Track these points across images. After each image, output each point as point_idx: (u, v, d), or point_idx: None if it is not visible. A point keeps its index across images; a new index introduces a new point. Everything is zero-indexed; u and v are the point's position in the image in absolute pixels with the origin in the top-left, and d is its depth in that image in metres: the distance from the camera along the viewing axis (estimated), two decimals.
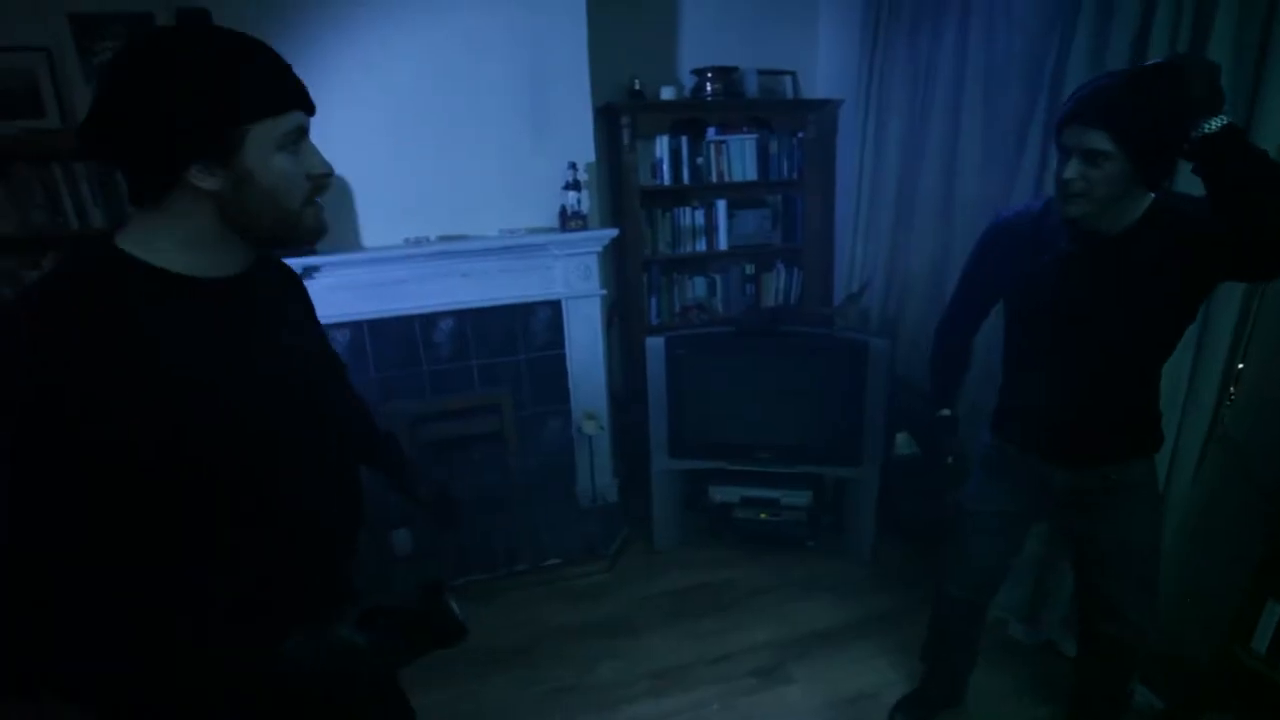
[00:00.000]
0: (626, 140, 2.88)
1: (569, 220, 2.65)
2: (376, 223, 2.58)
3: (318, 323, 1.01)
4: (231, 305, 0.78)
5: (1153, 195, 1.25)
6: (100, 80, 0.68)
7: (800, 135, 3.13)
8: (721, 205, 3.14)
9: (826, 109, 3.16)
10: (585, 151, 2.70)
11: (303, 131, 0.76)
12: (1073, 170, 1.20)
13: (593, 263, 2.76)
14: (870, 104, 2.82)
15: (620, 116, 2.85)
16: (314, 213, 0.79)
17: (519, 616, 2.45)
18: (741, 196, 3.21)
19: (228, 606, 0.78)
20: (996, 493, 1.60)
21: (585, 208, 2.66)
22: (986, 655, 1.92)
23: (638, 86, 2.91)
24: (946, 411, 1.65)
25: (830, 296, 3.31)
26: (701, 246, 3.18)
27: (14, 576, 0.65)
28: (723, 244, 3.18)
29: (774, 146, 3.14)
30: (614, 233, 2.77)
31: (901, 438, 2.46)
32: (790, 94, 3.20)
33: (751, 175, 3.13)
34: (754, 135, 3.09)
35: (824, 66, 3.27)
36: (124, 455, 0.66)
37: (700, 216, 3.15)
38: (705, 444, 2.64)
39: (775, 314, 2.86)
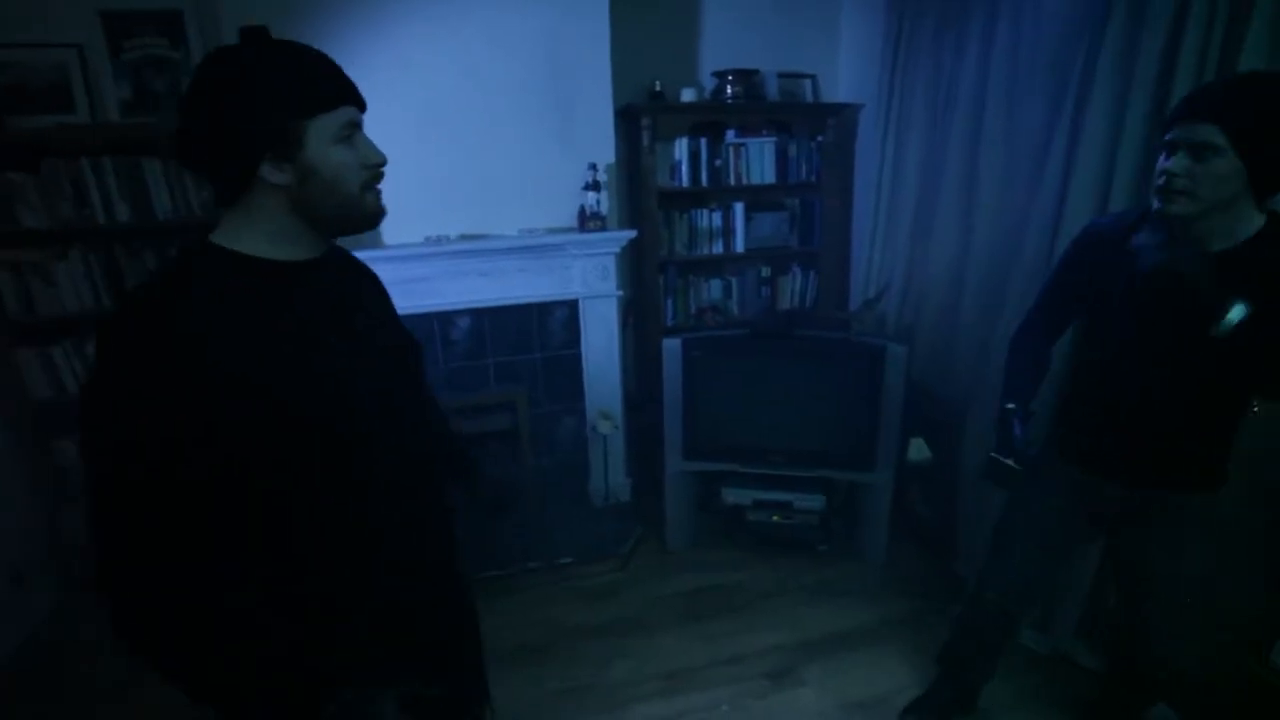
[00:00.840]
0: (646, 142, 2.88)
1: (588, 221, 2.67)
2: (398, 220, 2.53)
3: (395, 313, 1.06)
4: (310, 282, 0.87)
5: (1263, 219, 1.17)
6: (181, 98, 0.79)
7: (819, 139, 3.13)
8: (739, 208, 3.15)
9: (846, 113, 3.16)
10: (605, 152, 2.71)
11: (356, 125, 0.84)
12: (1178, 164, 1.13)
13: (610, 263, 2.77)
14: (891, 114, 2.81)
15: (640, 118, 2.86)
16: (373, 198, 0.88)
17: (531, 615, 2.46)
18: (759, 199, 3.21)
19: (274, 593, 0.82)
20: (1044, 502, 1.57)
21: (604, 208, 2.67)
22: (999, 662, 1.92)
23: (658, 88, 2.92)
24: (1011, 405, 1.54)
25: (846, 301, 3.31)
26: (718, 248, 3.18)
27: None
28: (739, 246, 3.19)
29: (793, 149, 3.14)
30: (632, 234, 2.79)
31: (915, 443, 2.47)
32: (810, 97, 3.19)
33: (770, 178, 3.13)
34: (773, 138, 3.09)
35: (845, 70, 3.27)
36: (194, 447, 0.73)
37: (718, 218, 3.15)
38: (719, 446, 2.65)
39: (791, 317, 2.86)
